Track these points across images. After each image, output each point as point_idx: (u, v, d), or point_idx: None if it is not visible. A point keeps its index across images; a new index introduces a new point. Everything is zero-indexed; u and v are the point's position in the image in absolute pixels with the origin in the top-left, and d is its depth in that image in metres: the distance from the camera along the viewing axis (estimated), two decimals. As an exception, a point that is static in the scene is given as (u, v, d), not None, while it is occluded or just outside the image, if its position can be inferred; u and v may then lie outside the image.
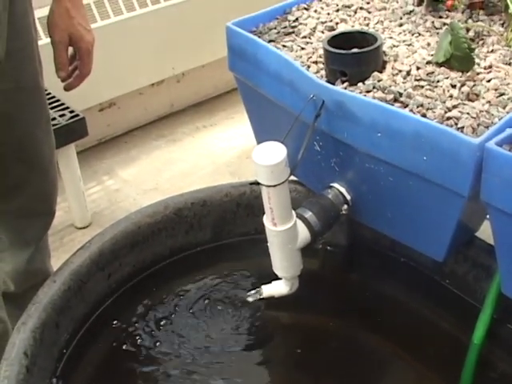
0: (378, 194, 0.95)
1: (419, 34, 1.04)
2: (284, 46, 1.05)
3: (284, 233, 0.94)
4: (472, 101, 0.87)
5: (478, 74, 0.92)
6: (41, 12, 1.72)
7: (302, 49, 1.04)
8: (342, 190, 1.00)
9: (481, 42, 1.00)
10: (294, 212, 0.95)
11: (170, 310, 1.05)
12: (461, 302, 1.02)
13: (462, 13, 1.08)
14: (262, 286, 1.03)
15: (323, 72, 0.98)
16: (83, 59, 1.11)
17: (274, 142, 0.88)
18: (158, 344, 1.00)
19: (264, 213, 0.94)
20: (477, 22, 1.05)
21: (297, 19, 1.12)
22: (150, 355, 0.98)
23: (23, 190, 1.14)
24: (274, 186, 0.88)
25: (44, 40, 1.81)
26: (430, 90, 0.89)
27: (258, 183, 0.90)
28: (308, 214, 0.97)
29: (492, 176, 0.76)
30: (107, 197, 1.99)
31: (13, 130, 1.08)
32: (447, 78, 0.92)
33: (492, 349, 0.95)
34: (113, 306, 1.05)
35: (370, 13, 1.12)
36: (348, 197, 1.00)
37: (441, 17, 1.08)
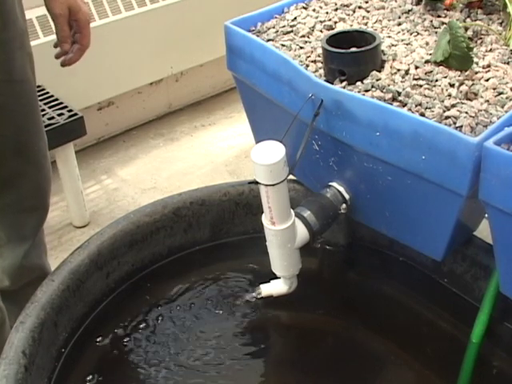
0: (376, 193, 0.95)
1: (418, 33, 1.04)
2: (282, 45, 1.05)
3: (283, 232, 0.94)
4: (470, 100, 0.87)
5: (476, 73, 0.92)
6: (40, 11, 1.73)
7: (301, 48, 1.04)
8: (341, 189, 1.00)
9: (479, 41, 1.00)
10: (292, 211, 0.95)
11: (168, 309, 1.05)
12: (459, 300, 1.02)
13: (461, 12, 1.08)
14: (261, 285, 1.03)
15: (322, 71, 0.98)
16: (83, 31, 1.10)
17: (272, 141, 0.88)
18: (156, 343, 1.00)
19: (263, 212, 0.94)
20: (475, 21, 1.05)
21: (295, 18, 1.12)
22: (148, 354, 0.98)
23: (19, 183, 1.14)
24: (273, 185, 0.88)
25: (42, 39, 1.81)
26: (428, 89, 0.89)
27: (256, 182, 0.90)
28: (307, 213, 0.97)
29: (490, 175, 0.76)
30: (106, 196, 1.99)
31: (7, 122, 1.08)
32: (446, 77, 0.92)
33: (490, 347, 0.95)
34: (111, 305, 1.05)
35: (368, 12, 1.12)
36: (346, 196, 1.00)
37: (439, 16, 1.08)
